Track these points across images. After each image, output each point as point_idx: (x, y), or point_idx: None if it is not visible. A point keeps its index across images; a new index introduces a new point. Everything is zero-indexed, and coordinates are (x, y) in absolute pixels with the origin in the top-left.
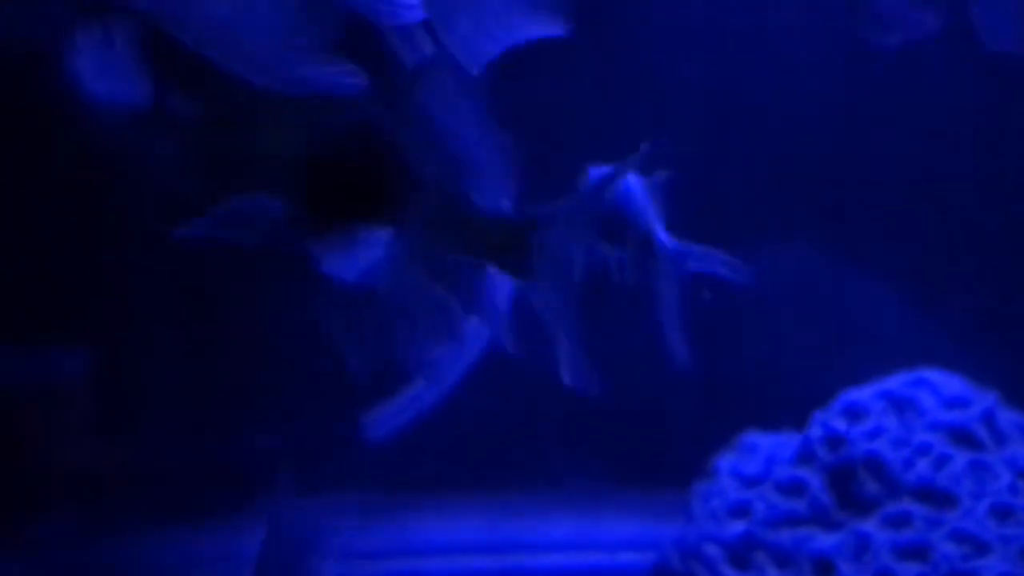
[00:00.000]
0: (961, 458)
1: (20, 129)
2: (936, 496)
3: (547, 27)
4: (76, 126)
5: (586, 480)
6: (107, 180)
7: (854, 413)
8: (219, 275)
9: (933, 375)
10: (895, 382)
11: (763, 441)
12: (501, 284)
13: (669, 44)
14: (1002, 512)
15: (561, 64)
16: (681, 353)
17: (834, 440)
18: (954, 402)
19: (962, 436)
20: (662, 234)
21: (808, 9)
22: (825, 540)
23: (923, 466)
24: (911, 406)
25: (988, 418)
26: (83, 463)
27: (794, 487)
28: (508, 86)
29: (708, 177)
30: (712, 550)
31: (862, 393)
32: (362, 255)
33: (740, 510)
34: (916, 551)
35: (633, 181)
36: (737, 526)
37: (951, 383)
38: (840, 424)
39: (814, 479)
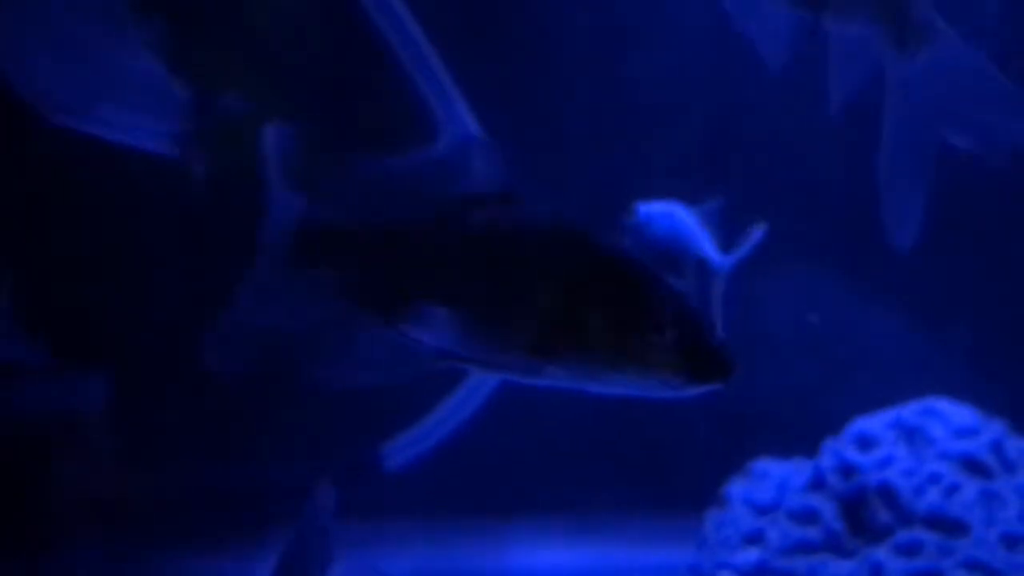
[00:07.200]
0: (971, 486)
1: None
2: (947, 524)
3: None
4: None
5: (598, 506)
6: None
7: (865, 442)
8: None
9: (942, 404)
10: (905, 411)
11: (774, 468)
12: None
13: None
14: (1012, 540)
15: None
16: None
17: (846, 468)
18: (963, 431)
19: (972, 465)
20: (714, 255)
21: None
22: (838, 568)
23: (934, 494)
24: (921, 435)
25: (997, 447)
26: (106, 491)
27: (807, 515)
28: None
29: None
30: None
31: (873, 422)
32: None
33: (753, 538)
34: None
35: (683, 213)
36: (751, 554)
37: (960, 412)
38: (852, 453)
39: (826, 507)
